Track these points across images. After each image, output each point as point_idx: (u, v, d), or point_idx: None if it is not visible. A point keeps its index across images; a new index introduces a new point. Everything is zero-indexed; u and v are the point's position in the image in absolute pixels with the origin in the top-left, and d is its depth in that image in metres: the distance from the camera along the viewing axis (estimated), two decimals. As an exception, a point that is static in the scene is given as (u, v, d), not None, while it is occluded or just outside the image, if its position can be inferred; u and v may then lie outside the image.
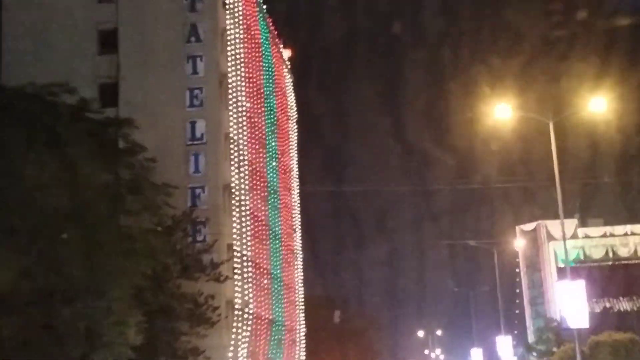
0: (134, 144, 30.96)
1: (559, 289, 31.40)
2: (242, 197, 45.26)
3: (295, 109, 66.54)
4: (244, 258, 45.06)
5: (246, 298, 44.83)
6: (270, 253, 52.85)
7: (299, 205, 65.30)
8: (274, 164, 55.60)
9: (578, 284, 31.44)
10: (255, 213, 48.74)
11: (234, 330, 42.39)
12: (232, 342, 42.13)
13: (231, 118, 44.11)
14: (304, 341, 64.44)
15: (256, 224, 48.86)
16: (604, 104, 31.94)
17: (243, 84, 46.12)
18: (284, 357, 55.75)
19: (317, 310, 73.40)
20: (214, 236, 41.39)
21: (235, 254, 43.20)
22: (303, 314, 65.06)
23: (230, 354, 41.77)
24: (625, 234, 72.98)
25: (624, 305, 71.14)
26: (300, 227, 65.86)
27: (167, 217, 32.93)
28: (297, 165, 65.69)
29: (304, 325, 64.85)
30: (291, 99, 65.22)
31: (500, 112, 32.53)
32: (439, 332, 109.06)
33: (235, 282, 43.08)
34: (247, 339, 44.90)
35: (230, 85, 44.25)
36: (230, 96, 44.22)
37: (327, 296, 78.61)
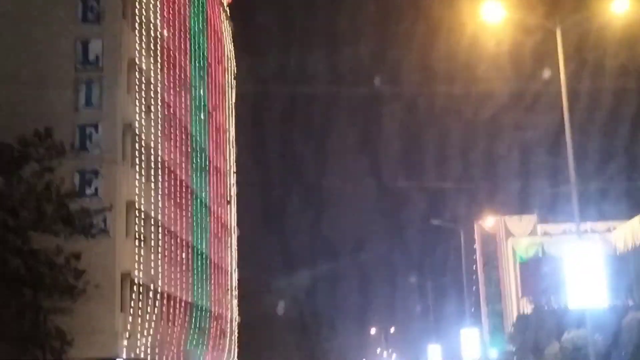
0: None
1: (566, 250, 22.51)
2: (152, 145, 35.92)
3: (235, 62, 57.35)
4: (152, 222, 35.73)
5: (152, 272, 35.51)
6: (192, 223, 43.54)
7: (235, 174, 56.03)
8: (201, 117, 46.26)
9: (595, 241, 22.83)
10: (172, 170, 39.40)
11: (132, 311, 33.03)
12: (129, 326, 32.75)
13: (139, 42, 34.71)
14: (237, 333, 55.25)
15: (172, 183, 39.52)
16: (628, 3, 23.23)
17: (157, 2, 36.82)
18: (209, 349, 46.46)
19: (257, 299, 64.30)
20: (108, 190, 32.11)
21: (137, 214, 33.90)
22: (237, 301, 55.86)
23: (126, 342, 32.41)
24: (586, 232, 67.00)
25: None
26: (236, 200, 56.68)
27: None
28: (234, 128, 56.43)
29: (237, 315, 55.67)
30: (229, 49, 55.93)
31: (489, 13, 23.68)
32: (392, 330, 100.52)
33: (137, 251, 33.76)
34: (153, 324, 35.60)
35: (138, 1, 34.87)
36: (138, 14, 34.81)
37: (270, 284, 69.22)
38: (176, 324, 39.91)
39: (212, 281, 47.82)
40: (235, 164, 56.36)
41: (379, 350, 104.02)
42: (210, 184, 48.40)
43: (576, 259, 21.86)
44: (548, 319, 38.09)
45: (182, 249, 41.13)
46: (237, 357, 55.68)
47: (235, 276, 55.40)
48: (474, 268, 76.18)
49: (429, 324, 77.13)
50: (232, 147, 55.61)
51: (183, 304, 40.94)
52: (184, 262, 41.47)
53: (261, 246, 65.87)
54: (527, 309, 64.60)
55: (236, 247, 55.85)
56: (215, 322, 48.03)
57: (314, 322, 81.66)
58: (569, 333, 31.55)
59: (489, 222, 72.12)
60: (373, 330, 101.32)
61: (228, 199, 53.48)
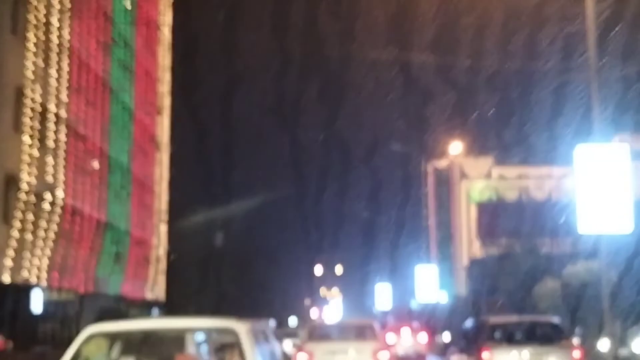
0: None
1: (577, 155, 16.44)
2: (51, 21, 28.85)
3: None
4: (51, 117, 28.88)
5: (50, 179, 28.81)
6: (110, 128, 36.71)
7: (171, 82, 48.98)
8: (124, 4, 39.03)
9: (622, 147, 16.86)
10: (82, 58, 32.39)
11: (19, 224, 26.46)
12: (15, 242, 26.22)
13: None
14: (164, 262, 48.99)
15: (83, 75, 32.55)
16: None
17: None
18: (127, 277, 40.12)
19: (191, 227, 57.81)
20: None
21: (30, 104, 27.04)
22: (166, 227, 49.46)
23: (11, 262, 25.92)
24: (542, 177, 64.87)
25: None
26: (171, 113, 49.73)
27: None
28: (170, 31, 49.14)
29: (166, 242, 49.32)
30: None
31: None
32: (339, 268, 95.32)
33: (28, 150, 27.02)
34: (51, 242, 29.09)
35: None
36: None
37: (207, 211, 62.55)
38: (84, 245, 33.44)
39: (134, 200, 41.25)
40: (170, 72, 49.32)
41: (323, 289, 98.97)
42: (137, 86, 41.46)
43: (594, 170, 16.00)
44: (527, 259, 32.64)
45: (94, 157, 34.40)
46: (166, 290, 49.65)
47: (165, 198, 48.89)
48: (426, 209, 72.21)
49: (380, 264, 71.79)
50: (167, 51, 48.46)
51: (94, 222, 34.41)
52: (97, 172, 34.80)
53: (198, 168, 58.87)
54: (479, 252, 62.18)
55: (168, 166, 49.17)
56: (136, 248, 41.62)
57: (255, 257, 75.63)
58: (574, 265, 25.88)
59: (442, 163, 67.30)
60: (319, 269, 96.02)
61: (158, 109, 46.61)
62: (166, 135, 48.34)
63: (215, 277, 62.32)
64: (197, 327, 7.61)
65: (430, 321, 42.06)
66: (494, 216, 59.80)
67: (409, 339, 31.12)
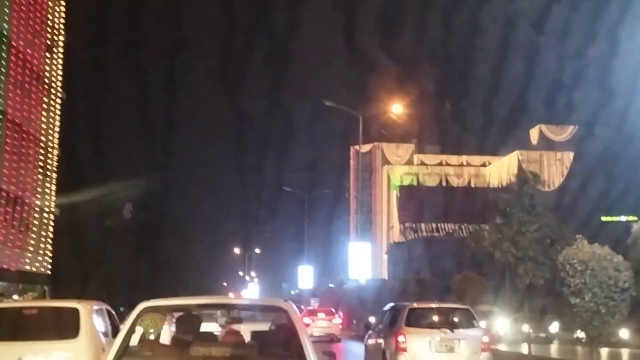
0: None
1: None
2: None
3: None
4: None
5: None
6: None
7: (63, 24, 41.38)
8: None
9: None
10: None
11: None
12: None
13: None
14: (52, 229, 41.62)
15: None
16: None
17: None
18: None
19: (90, 191, 50.16)
20: None
21: None
22: (55, 189, 42.05)
23: None
24: (461, 165, 69.37)
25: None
26: (66, 56, 42.24)
27: None
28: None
29: (54, 205, 41.91)
30: None
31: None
32: (257, 250, 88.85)
33: None
34: None
35: None
36: None
37: (110, 175, 54.82)
38: None
39: (9, 148, 33.88)
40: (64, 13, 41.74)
41: (241, 272, 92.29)
42: (16, 12, 34.02)
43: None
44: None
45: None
46: (53, 262, 42.35)
47: (55, 152, 41.49)
48: (347, 193, 71.97)
49: (302, 244, 65.76)
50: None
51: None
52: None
53: (103, 123, 50.99)
54: (397, 237, 63.64)
55: (59, 114, 41.70)
56: (8, 207, 34.28)
57: (168, 234, 68.44)
58: None
59: (365, 147, 66.24)
60: (237, 251, 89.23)
61: (49, 45, 39.14)
62: (59, 78, 40.85)
63: (120, 252, 54.94)
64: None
65: (351, 304, 41.07)
66: (416, 201, 62.52)
67: (324, 322, 31.78)
